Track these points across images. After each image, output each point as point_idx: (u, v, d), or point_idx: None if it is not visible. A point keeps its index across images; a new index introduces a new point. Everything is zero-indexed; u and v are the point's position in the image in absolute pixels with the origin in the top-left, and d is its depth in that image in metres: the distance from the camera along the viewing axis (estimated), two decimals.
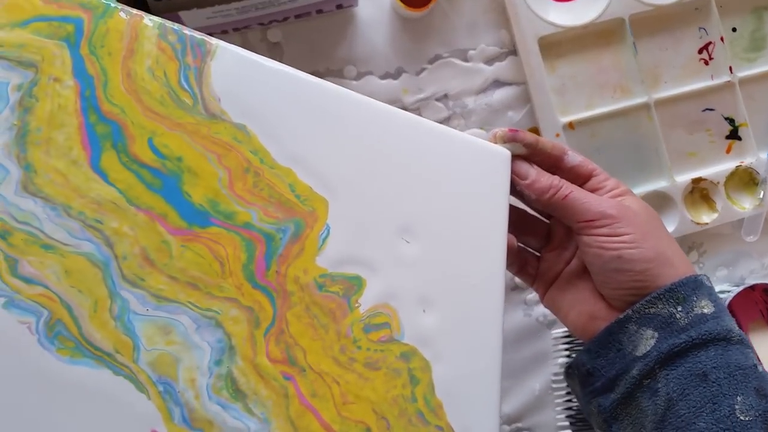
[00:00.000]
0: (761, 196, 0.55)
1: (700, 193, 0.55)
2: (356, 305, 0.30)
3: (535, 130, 0.54)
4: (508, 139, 0.35)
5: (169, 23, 0.29)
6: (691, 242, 0.57)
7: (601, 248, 0.33)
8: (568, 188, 0.35)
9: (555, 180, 0.35)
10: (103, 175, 0.27)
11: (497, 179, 0.34)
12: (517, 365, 0.54)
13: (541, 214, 0.40)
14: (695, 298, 0.32)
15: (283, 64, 0.31)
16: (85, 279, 0.27)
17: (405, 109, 0.53)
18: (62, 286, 0.26)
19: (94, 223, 0.27)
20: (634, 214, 0.34)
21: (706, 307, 0.32)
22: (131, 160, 0.28)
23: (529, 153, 0.36)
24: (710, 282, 0.34)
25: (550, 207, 0.35)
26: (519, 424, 0.54)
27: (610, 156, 0.54)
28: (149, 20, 0.29)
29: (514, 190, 0.35)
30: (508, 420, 0.54)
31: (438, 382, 0.31)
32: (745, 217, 0.55)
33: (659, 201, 0.54)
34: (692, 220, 0.54)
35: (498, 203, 0.34)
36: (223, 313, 0.28)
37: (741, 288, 0.52)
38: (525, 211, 0.39)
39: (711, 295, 0.33)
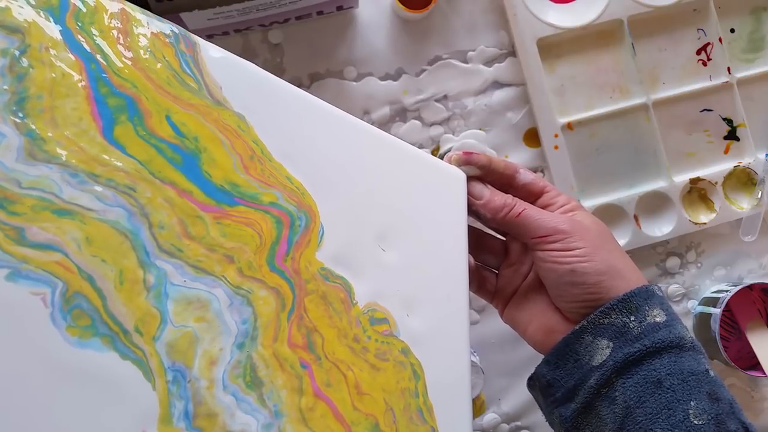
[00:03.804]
0: (759, 196, 0.55)
1: (698, 193, 0.56)
2: (355, 301, 0.31)
3: (534, 131, 0.55)
4: (463, 162, 0.37)
5: (149, 12, 0.29)
6: (689, 242, 0.57)
7: (554, 263, 0.34)
8: (521, 206, 0.36)
9: (508, 199, 0.36)
10: (120, 147, 0.26)
11: (455, 198, 0.36)
12: (516, 364, 0.54)
13: (497, 232, 0.41)
14: (647, 308, 0.33)
15: (255, 65, 0.31)
16: (109, 247, 0.25)
17: (405, 110, 0.54)
18: (82, 255, 0.25)
19: (127, 190, 0.26)
20: (586, 228, 0.35)
21: (659, 316, 0.33)
22: (149, 134, 0.27)
23: (483, 174, 0.37)
24: (662, 292, 0.35)
25: (505, 225, 0.36)
26: (518, 423, 0.55)
27: (608, 156, 0.55)
28: (133, 7, 0.29)
29: (470, 210, 0.37)
30: (507, 418, 0.54)
31: (429, 384, 0.32)
32: (743, 217, 0.55)
33: (657, 201, 0.55)
34: (690, 220, 0.54)
35: (457, 220, 0.35)
36: (253, 293, 0.28)
37: (739, 287, 0.52)
38: (481, 231, 0.40)
39: (663, 304, 0.34)
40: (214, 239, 0.28)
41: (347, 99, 0.53)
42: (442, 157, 0.37)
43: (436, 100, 0.54)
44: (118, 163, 0.26)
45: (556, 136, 0.53)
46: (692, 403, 0.31)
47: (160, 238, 0.26)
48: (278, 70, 0.52)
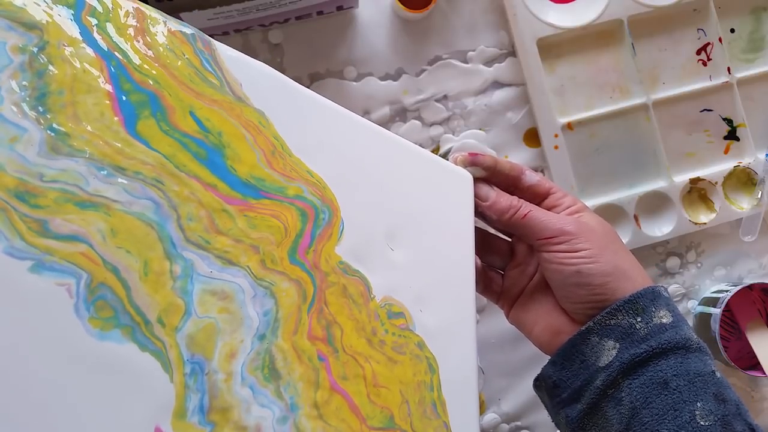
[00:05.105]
0: (759, 196, 0.55)
1: (698, 193, 0.56)
2: (373, 295, 0.31)
3: (534, 131, 0.55)
4: (469, 163, 0.37)
5: (162, 12, 0.29)
6: (689, 242, 0.57)
7: (560, 264, 0.34)
8: (526, 207, 0.36)
9: (514, 200, 0.36)
10: (144, 141, 0.26)
11: (462, 199, 0.36)
12: (517, 364, 0.54)
13: (503, 233, 0.41)
14: (654, 309, 0.33)
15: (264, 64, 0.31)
16: (134, 239, 0.25)
17: (405, 110, 0.54)
18: (107, 246, 0.25)
19: (155, 182, 0.26)
20: (591, 230, 0.35)
21: (665, 317, 0.33)
22: (172, 128, 0.27)
23: (489, 175, 0.37)
24: (668, 293, 0.35)
25: (511, 226, 0.37)
26: (518, 423, 0.54)
27: (608, 156, 0.55)
28: (147, 7, 0.29)
29: (476, 212, 0.37)
30: (507, 418, 0.54)
31: (442, 380, 0.32)
32: (743, 217, 0.55)
33: (657, 201, 0.55)
34: (690, 220, 0.54)
35: (464, 221, 0.36)
36: (276, 285, 0.28)
37: (739, 287, 0.52)
38: (487, 232, 0.40)
39: (669, 305, 0.34)
40: (242, 230, 0.28)
41: (347, 99, 0.53)
42: (443, 158, 0.37)
43: (436, 100, 0.54)
44: (145, 157, 0.26)
45: (556, 136, 0.53)
46: (699, 404, 0.31)
47: (187, 230, 0.26)
48: (278, 70, 0.52)
